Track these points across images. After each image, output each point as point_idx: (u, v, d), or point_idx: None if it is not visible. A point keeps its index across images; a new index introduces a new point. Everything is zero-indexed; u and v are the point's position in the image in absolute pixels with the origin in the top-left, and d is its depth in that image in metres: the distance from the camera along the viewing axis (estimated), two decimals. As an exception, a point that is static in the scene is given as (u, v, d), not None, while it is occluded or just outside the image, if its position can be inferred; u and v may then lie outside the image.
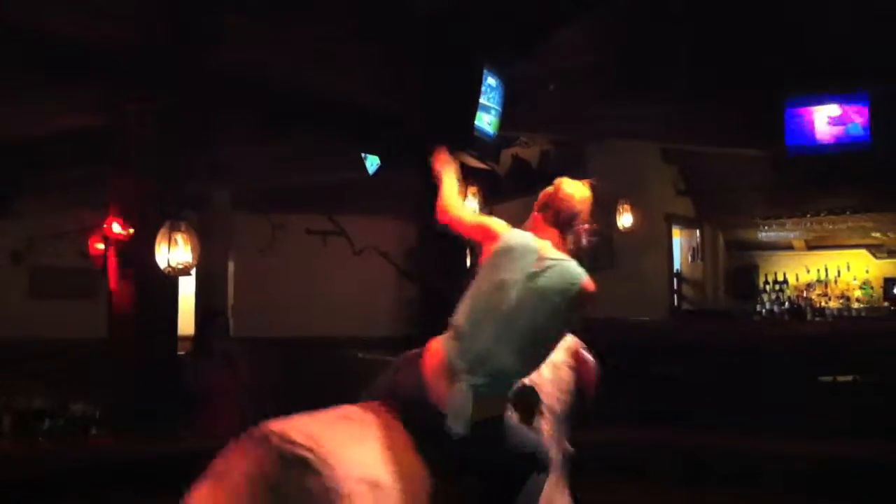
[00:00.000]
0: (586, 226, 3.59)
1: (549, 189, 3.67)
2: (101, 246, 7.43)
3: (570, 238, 3.55)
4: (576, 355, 3.93)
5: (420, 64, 8.38)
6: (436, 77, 8.38)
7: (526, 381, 3.60)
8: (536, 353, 3.39)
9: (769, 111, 10.31)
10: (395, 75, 8.45)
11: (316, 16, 7.64)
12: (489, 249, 3.48)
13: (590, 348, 3.95)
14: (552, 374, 3.85)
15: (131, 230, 6.91)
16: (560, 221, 3.55)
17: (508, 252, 3.42)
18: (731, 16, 9.86)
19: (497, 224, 3.57)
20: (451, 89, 8.34)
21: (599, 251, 11.03)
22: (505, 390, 3.40)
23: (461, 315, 3.38)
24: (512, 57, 9.02)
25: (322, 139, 9.56)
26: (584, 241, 3.57)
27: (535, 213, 3.65)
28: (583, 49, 10.34)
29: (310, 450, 3.11)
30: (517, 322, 3.29)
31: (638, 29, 10.01)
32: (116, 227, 6.91)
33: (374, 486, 3.15)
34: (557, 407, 3.85)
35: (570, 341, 3.91)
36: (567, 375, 3.91)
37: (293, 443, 3.13)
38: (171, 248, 6.76)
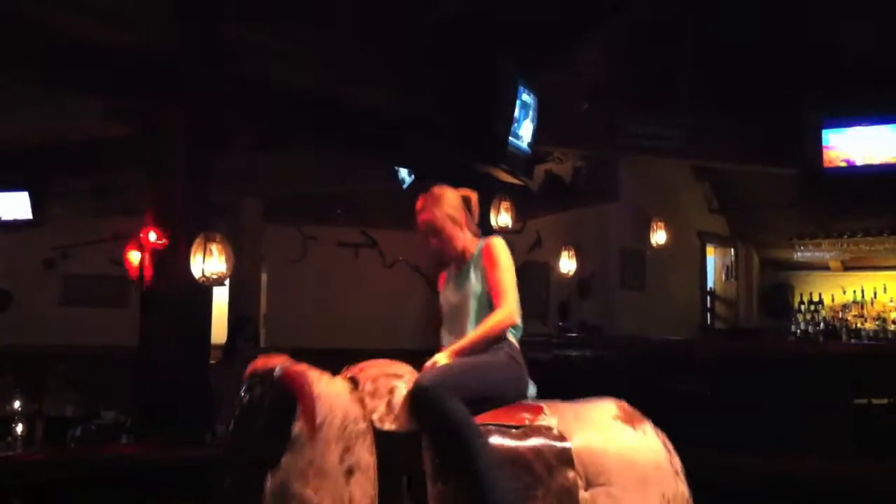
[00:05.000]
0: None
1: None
2: (135, 254, 7.47)
3: None
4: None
5: (453, 78, 8.38)
6: (469, 91, 8.39)
7: None
8: None
9: (806, 131, 10.25)
10: (428, 89, 8.46)
11: (343, 31, 7.70)
12: None
13: None
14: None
15: (167, 240, 6.94)
16: None
17: None
18: (766, 34, 9.82)
19: None
20: (485, 103, 8.34)
21: (629, 269, 11.08)
22: None
23: None
24: (541, 71, 9.02)
25: (354, 153, 9.61)
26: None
27: None
28: (609, 66, 10.34)
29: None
30: None
31: (664, 46, 10.00)
32: (152, 236, 6.94)
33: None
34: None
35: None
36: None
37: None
38: (206, 258, 6.77)
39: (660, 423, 7.30)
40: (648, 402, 7.56)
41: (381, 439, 3.55)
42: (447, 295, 4.20)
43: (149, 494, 5.81)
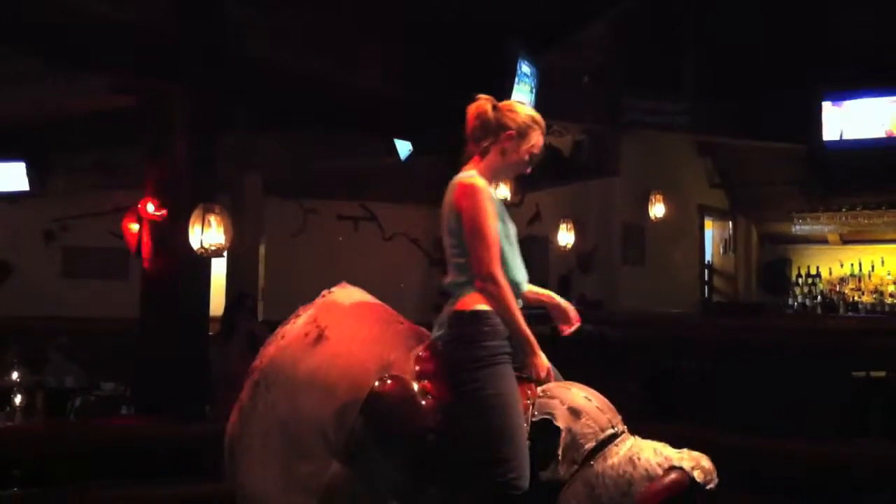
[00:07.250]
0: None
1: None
2: (134, 226, 7.48)
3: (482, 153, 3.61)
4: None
5: (453, 50, 8.36)
6: (469, 62, 8.36)
7: None
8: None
9: (806, 105, 10.23)
10: (427, 62, 8.44)
11: (343, 10, 7.70)
12: None
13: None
14: None
15: (165, 211, 6.94)
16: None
17: None
18: (766, 10, 9.80)
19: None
20: (485, 75, 8.31)
21: (630, 243, 11.07)
22: None
23: None
24: (544, 45, 9.00)
25: (354, 130, 9.63)
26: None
27: None
28: (612, 42, 10.32)
29: None
30: None
31: (667, 23, 9.98)
32: (151, 208, 6.94)
33: None
34: None
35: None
36: None
37: None
38: (205, 230, 6.78)
39: (660, 397, 7.34)
40: (648, 376, 7.61)
41: None
42: (509, 228, 3.63)
43: (147, 465, 5.83)
